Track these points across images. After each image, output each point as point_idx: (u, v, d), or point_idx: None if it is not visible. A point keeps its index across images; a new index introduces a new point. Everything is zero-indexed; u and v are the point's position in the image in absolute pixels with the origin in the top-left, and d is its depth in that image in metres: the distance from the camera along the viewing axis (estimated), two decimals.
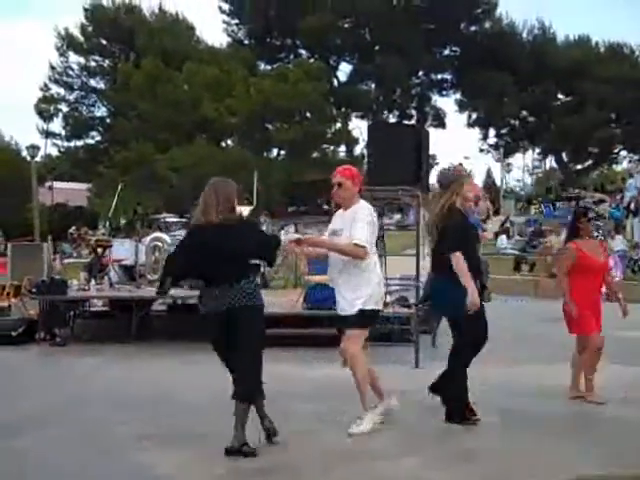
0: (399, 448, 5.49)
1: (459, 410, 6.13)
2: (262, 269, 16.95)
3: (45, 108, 51.33)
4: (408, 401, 6.88)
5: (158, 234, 13.28)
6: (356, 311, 5.80)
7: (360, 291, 5.83)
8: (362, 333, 5.89)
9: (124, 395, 7.23)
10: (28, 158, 30.73)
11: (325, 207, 12.43)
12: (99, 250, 12.45)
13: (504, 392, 7.48)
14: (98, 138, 50.38)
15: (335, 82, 54.48)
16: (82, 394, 7.36)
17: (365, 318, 5.83)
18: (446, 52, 54.91)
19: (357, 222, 5.79)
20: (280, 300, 11.93)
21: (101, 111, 50.60)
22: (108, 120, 49.00)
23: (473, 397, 6.96)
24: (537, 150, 61.89)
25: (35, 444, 5.56)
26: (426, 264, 10.15)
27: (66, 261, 26.16)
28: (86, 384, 7.92)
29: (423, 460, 5.17)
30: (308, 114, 43.44)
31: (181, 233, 14.47)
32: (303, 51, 53.98)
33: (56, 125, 51.14)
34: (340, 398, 6.96)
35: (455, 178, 6.38)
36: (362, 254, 5.75)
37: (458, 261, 6.03)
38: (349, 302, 5.86)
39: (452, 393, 6.22)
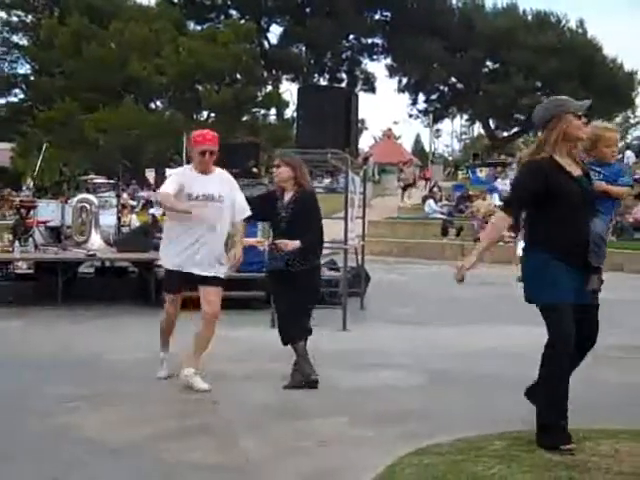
0: (327, 407, 5.59)
1: (550, 430, 4.41)
2: None
3: None
4: (334, 362, 7.02)
5: (85, 195, 13.03)
6: None
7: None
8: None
9: (48, 358, 7.13)
10: None
11: (254, 170, 12.32)
12: (23, 211, 12.15)
13: (434, 353, 7.65)
14: (21, 96, 48.88)
15: (266, 44, 53.99)
16: (3, 356, 7.22)
17: None
18: (377, 16, 54.93)
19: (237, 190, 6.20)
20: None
21: (24, 68, 49.05)
22: (32, 78, 47.51)
23: (402, 358, 7.16)
24: (465, 117, 62.77)
25: None
26: (355, 227, 10.34)
27: None
28: (7, 346, 7.77)
29: (351, 419, 5.27)
30: (238, 76, 42.95)
31: (110, 195, 14.25)
32: (234, 12, 53.21)
33: None
34: (266, 359, 7.05)
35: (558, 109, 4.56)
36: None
37: (494, 223, 4.78)
38: None
39: (541, 403, 4.56)
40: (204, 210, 5.84)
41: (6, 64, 49.07)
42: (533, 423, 4.52)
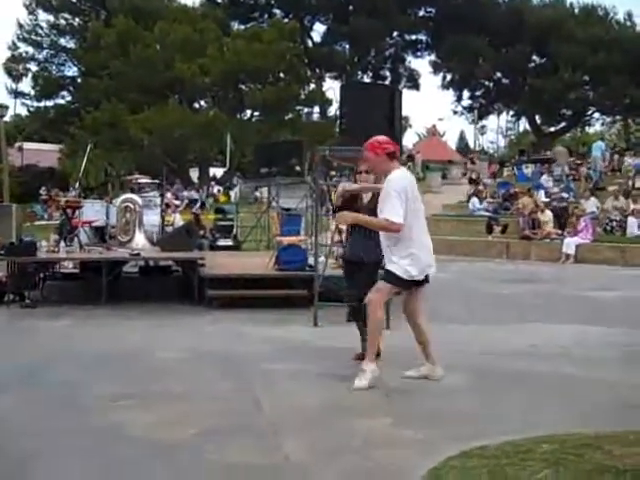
0: (371, 407, 5.52)
1: None
2: (234, 230, 16.96)
3: (14, 67, 50.45)
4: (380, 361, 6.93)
5: (129, 195, 13.12)
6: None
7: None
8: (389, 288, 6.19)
9: (95, 356, 7.18)
10: None
11: (297, 168, 12.32)
12: (69, 211, 12.28)
13: (479, 352, 7.53)
14: (69, 98, 49.60)
15: (309, 43, 54.01)
16: (52, 355, 7.29)
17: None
18: (421, 13, 54.57)
19: (383, 196, 6.06)
20: (252, 262, 11.93)
21: (71, 71, 49.80)
22: (79, 80, 48.19)
23: (447, 357, 7.06)
24: (511, 112, 62.03)
25: (7, 407, 5.51)
26: None
27: (37, 223, 25.95)
28: (56, 346, 7.84)
29: (396, 420, 5.19)
30: (282, 75, 43.03)
31: (154, 194, 14.34)
32: (277, 11, 53.34)
33: (25, 85, 50.38)
34: (309, 357, 7.00)
35: None
36: (394, 229, 5.94)
37: None
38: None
39: None
40: None
41: (54, 67, 49.87)
42: (582, 425, 4.40)
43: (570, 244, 18.41)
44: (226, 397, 5.68)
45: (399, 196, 5.89)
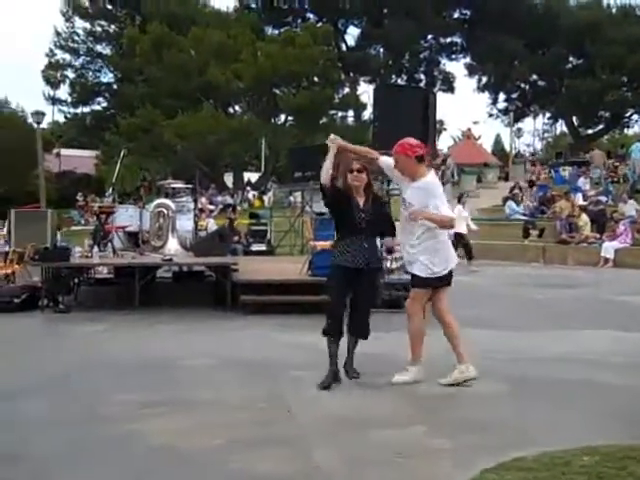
0: (404, 416, 5.39)
1: None
2: (268, 235, 16.91)
3: (52, 75, 51.02)
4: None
5: (162, 200, 13.12)
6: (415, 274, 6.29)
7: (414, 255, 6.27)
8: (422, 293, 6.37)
9: (125, 362, 7.14)
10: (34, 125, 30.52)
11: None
12: (102, 217, 12.33)
13: (513, 359, 7.36)
14: (105, 104, 50.10)
15: (343, 46, 53.89)
16: (83, 361, 7.28)
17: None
18: (456, 15, 54.13)
19: (432, 197, 6.14)
20: (285, 267, 11.84)
21: (107, 77, 50.31)
22: (114, 86, 48.66)
23: (481, 364, 6.91)
24: (547, 114, 61.33)
25: (34, 411, 5.48)
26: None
27: (74, 228, 26.16)
28: (88, 351, 7.83)
29: (429, 428, 5.05)
30: (316, 79, 42.99)
31: (187, 199, 14.33)
32: (311, 15, 53.29)
33: (63, 92, 50.95)
34: (340, 365, 6.87)
35: None
36: (453, 225, 6.53)
37: None
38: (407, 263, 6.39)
39: None
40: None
41: (90, 73, 50.39)
42: (621, 436, 4.23)
43: (608, 248, 18.08)
44: (255, 405, 5.58)
45: (443, 195, 6.28)
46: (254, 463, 4.36)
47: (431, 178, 6.25)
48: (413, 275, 6.25)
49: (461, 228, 17.33)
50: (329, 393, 5.96)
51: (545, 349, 7.88)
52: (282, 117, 45.19)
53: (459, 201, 18.56)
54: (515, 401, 5.83)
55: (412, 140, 6.25)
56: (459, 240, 17.32)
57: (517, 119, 57.90)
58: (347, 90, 47.24)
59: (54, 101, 51.42)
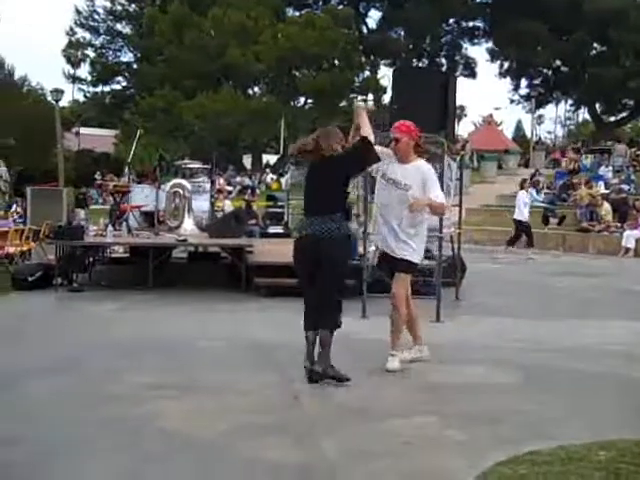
0: (414, 405, 5.29)
1: None
2: (285, 218, 16.80)
3: (72, 53, 51.07)
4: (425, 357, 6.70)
5: (178, 180, 13.04)
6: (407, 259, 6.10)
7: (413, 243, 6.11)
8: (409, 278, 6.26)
9: (137, 343, 7.08)
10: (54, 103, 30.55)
11: None
12: (117, 196, 12.27)
13: (530, 348, 7.24)
14: (124, 84, 50.06)
15: (364, 29, 53.48)
16: (95, 341, 7.22)
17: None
18: None
19: (430, 182, 6.13)
20: None
21: (127, 56, 50.22)
22: (134, 65, 48.60)
23: (497, 353, 6.80)
24: (570, 101, 60.70)
25: (42, 390, 5.43)
26: (451, 215, 9.94)
27: (92, 207, 26.18)
28: (100, 331, 7.78)
29: (440, 419, 4.95)
30: (336, 62, 42.71)
31: (203, 180, 14.22)
32: None
33: (83, 71, 50.99)
34: (352, 351, 6.79)
35: None
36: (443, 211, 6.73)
37: None
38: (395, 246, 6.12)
39: None
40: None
41: (110, 52, 50.32)
42: None
43: (630, 237, 17.84)
44: (264, 391, 5.49)
45: (437, 182, 6.27)
46: (262, 450, 4.27)
47: (425, 163, 6.28)
48: (403, 260, 6.07)
49: (523, 215, 17.18)
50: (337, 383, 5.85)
51: (565, 339, 7.73)
52: (301, 99, 44.99)
53: (521, 187, 18.35)
54: (531, 392, 5.70)
55: (411, 124, 6.26)
56: (519, 227, 17.18)
57: (539, 105, 57.33)
58: (367, 73, 46.89)
59: (74, 80, 51.50)
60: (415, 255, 6.14)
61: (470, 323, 8.70)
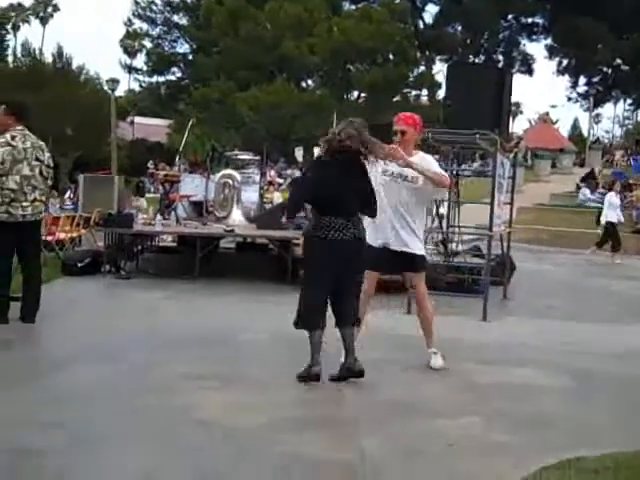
0: (459, 405, 5.17)
1: None
2: None
3: (130, 44, 51.69)
4: (472, 356, 6.57)
5: (228, 171, 13.03)
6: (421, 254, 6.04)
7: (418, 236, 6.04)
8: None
9: (182, 332, 7.06)
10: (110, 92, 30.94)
11: None
12: (167, 185, 12.32)
13: (580, 351, 7.05)
14: (179, 74, 50.49)
15: (421, 24, 53.07)
16: (140, 329, 7.23)
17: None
18: None
19: (434, 166, 6.05)
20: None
21: (183, 47, 50.66)
22: (190, 57, 48.97)
23: (546, 355, 6.64)
24: (629, 101, 59.48)
25: (86, 377, 5.45)
26: (502, 213, 9.76)
27: (146, 196, 26.44)
28: (145, 319, 7.79)
29: (485, 420, 4.83)
30: (391, 56, 42.47)
31: (253, 171, 14.19)
32: None
33: (139, 61, 51.58)
34: (398, 347, 6.69)
35: None
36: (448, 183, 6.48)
37: None
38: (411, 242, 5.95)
39: None
40: None
41: (167, 43, 50.79)
42: None
43: None
44: (305, 385, 5.42)
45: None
46: (300, 445, 4.21)
47: (426, 154, 6.20)
48: (417, 255, 5.96)
49: (614, 217, 16.87)
50: (382, 376, 5.76)
51: (615, 343, 7.51)
52: (355, 93, 44.85)
53: (610, 188, 18.04)
54: (578, 396, 5.56)
55: (417, 116, 6.15)
56: (609, 229, 16.86)
57: (597, 104, 56.33)
58: (422, 68, 46.53)
59: (130, 70, 52.12)
60: (423, 249, 6.12)
61: (517, 323, 8.53)
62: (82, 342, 6.56)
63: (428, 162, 6.02)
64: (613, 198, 17.26)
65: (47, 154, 7.12)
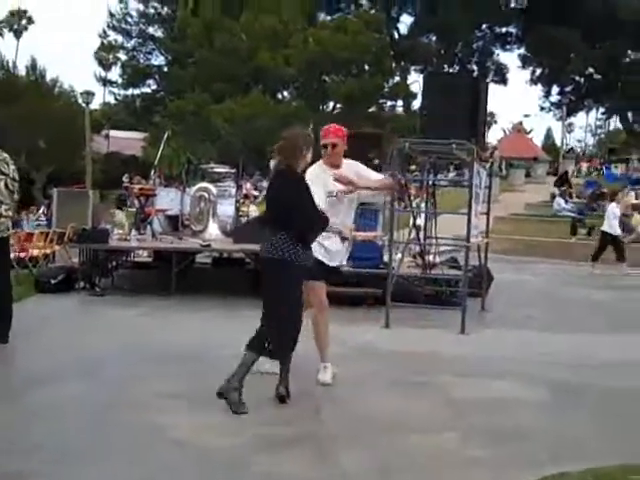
0: (437, 420, 5.13)
1: None
2: None
3: (104, 56, 51.45)
4: (450, 369, 6.53)
5: (204, 184, 12.92)
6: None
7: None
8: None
9: (157, 349, 6.97)
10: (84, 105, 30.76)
11: (376, 161, 11.96)
12: (142, 199, 12.19)
13: (558, 362, 7.03)
14: (155, 87, 50.30)
15: (395, 34, 53.33)
16: (114, 347, 7.13)
17: None
18: (512, 4, 53.13)
19: (363, 169, 6.10)
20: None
21: (158, 60, 50.51)
22: (165, 69, 48.83)
23: (524, 367, 6.61)
24: (601, 110, 60.09)
25: (60, 396, 5.36)
26: (479, 224, 9.74)
27: (112, 210, 26.21)
28: (120, 337, 7.67)
29: (463, 435, 4.78)
30: (366, 67, 42.59)
31: (229, 184, 14.08)
32: (364, 1, 52.80)
33: (114, 74, 51.37)
34: (377, 361, 6.63)
35: None
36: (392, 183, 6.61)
37: None
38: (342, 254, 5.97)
39: None
40: None
41: (142, 55, 50.63)
42: None
43: None
44: (282, 403, 5.34)
45: None
46: (278, 465, 4.15)
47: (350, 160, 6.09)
48: (340, 268, 5.97)
49: (613, 228, 16.83)
50: (361, 391, 5.71)
51: (592, 354, 7.50)
52: (330, 104, 44.91)
53: (612, 199, 18.03)
54: (557, 409, 5.53)
55: (343, 128, 6.12)
56: (611, 241, 16.80)
57: (569, 113, 56.83)
58: (397, 79, 46.71)
59: (105, 82, 51.89)
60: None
61: (496, 335, 8.50)
62: (56, 360, 6.46)
63: (357, 168, 6.03)
64: (615, 209, 17.26)
65: (12, 167, 6.93)
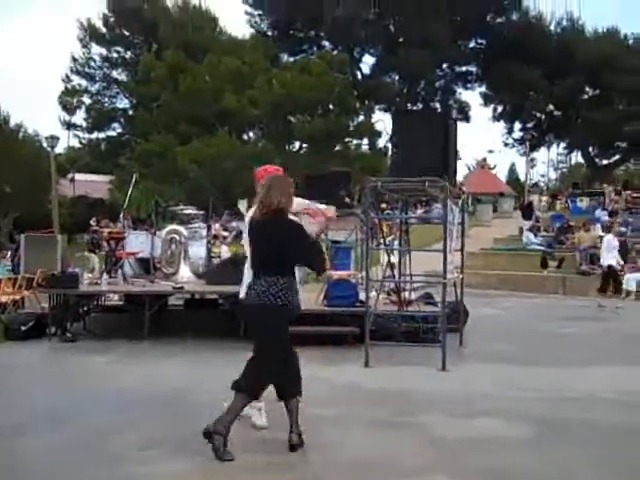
0: (422, 461, 5.02)
1: None
2: None
3: (68, 101, 51.20)
4: (433, 407, 6.45)
5: (174, 227, 12.82)
6: None
7: None
8: None
9: (129, 397, 6.80)
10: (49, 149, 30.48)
11: (346, 200, 11.98)
12: (112, 243, 12.04)
13: (540, 398, 6.98)
14: (120, 130, 50.13)
15: (359, 74, 53.90)
16: (87, 395, 6.94)
17: None
18: (472, 44, 54.13)
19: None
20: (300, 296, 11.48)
21: (123, 103, 50.35)
22: (130, 112, 48.73)
23: (507, 403, 6.54)
24: (562, 145, 61.07)
25: (30, 449, 5.17)
26: (454, 259, 9.73)
27: (86, 254, 25.90)
28: (92, 384, 7.49)
29: (450, 477, 4.69)
30: (331, 107, 42.88)
31: (199, 225, 13.98)
32: (326, 43, 53.38)
33: (78, 117, 51.08)
34: (360, 401, 6.53)
35: None
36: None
37: None
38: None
39: None
40: None
41: (106, 99, 50.49)
42: None
43: (630, 280, 17.63)
44: (266, 447, 5.22)
45: None
46: None
47: None
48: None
49: (613, 259, 16.84)
50: (346, 434, 5.60)
51: (575, 387, 7.47)
52: (297, 144, 45.07)
53: (609, 230, 18.09)
54: (542, 446, 5.45)
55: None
56: (610, 273, 16.81)
57: (532, 149, 57.64)
58: (362, 118, 47.08)
59: (69, 126, 51.58)
60: None
61: (476, 371, 8.44)
62: (26, 411, 6.27)
63: (300, 204, 6.12)
64: (612, 241, 17.38)
65: None
